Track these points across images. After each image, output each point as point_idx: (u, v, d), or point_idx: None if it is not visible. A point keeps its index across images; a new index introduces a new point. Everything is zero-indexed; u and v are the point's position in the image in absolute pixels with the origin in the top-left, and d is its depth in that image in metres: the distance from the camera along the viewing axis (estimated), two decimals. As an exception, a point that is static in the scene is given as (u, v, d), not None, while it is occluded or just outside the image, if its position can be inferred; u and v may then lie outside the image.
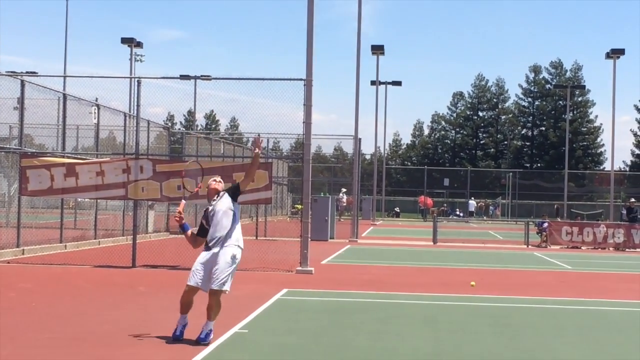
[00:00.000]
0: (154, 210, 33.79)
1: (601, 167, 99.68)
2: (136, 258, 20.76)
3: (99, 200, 27.89)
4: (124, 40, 58.31)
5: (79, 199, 31.36)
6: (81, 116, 28.53)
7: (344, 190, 63.11)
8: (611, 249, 34.25)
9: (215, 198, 11.06)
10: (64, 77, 40.99)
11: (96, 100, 28.36)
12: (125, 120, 30.78)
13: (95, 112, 28.21)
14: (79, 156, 25.37)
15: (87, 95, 27.41)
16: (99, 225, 28.88)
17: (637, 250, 34.01)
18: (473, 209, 73.73)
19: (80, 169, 20.89)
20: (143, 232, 30.68)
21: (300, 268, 20.14)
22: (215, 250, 10.81)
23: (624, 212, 38.62)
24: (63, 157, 23.48)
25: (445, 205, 76.11)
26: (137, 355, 9.80)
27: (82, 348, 10.15)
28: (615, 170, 61.74)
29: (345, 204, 61.37)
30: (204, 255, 10.84)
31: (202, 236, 10.99)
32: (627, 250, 33.99)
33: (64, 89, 30.66)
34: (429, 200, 73.06)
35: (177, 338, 10.67)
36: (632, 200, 39.98)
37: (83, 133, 32.27)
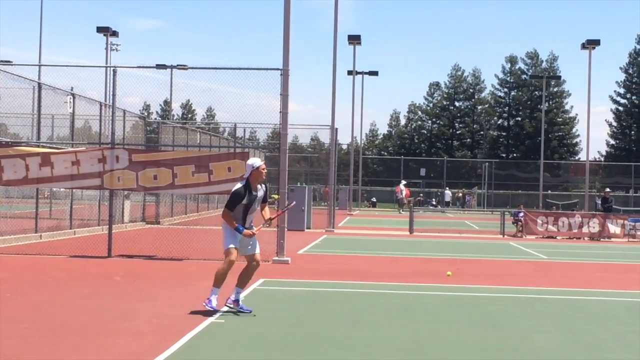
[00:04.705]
0: (129, 200, 33.66)
1: (576, 158, 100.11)
2: (112, 248, 20.66)
3: (74, 190, 27.74)
4: (100, 29, 57.90)
5: (54, 189, 31.21)
6: (56, 105, 28.33)
7: (404, 182, 63.67)
8: (586, 238, 34.43)
9: (260, 187, 12.36)
10: (39, 66, 40.67)
11: (71, 90, 28.16)
12: (101, 109, 30.59)
13: (70, 102, 28.02)
14: (54, 146, 25.23)
15: (62, 84, 27.25)
16: (74, 215, 28.73)
17: (612, 239, 34.23)
18: (449, 199, 73.94)
19: (56, 159, 20.77)
20: (119, 222, 30.56)
21: (276, 258, 20.13)
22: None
23: (599, 202, 38.85)
24: (38, 146, 23.34)
25: (421, 195, 76.23)
26: (112, 346, 9.76)
27: (57, 338, 10.10)
28: (590, 161, 62.05)
29: (401, 196, 62.19)
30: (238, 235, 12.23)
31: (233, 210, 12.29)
32: (601, 239, 34.19)
33: (39, 78, 30.41)
34: (406, 191, 73.17)
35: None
36: (607, 190, 40.22)
37: (58, 122, 32.11)
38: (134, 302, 13.14)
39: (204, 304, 11.93)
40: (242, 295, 12.50)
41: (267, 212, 12.67)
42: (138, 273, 17.34)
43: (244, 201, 12.16)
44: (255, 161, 12.37)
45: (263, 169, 12.27)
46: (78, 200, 31.49)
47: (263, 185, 12.40)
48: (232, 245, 12.21)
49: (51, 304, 12.87)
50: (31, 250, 21.41)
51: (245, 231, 12.15)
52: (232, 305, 12.20)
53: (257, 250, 12.47)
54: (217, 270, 12.22)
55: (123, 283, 15.76)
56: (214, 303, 11.93)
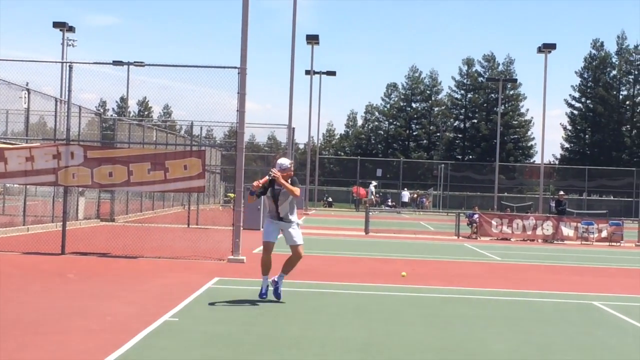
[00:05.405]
0: (84, 196, 33.42)
1: (531, 160, 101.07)
2: (66, 245, 20.50)
3: (28, 186, 27.47)
4: (56, 25, 57.46)
5: (8, 185, 30.89)
6: (11, 100, 28.04)
7: (374, 183, 63.90)
8: (540, 240, 34.71)
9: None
10: (-6, 60, 40.16)
11: (27, 85, 27.91)
12: (56, 105, 30.35)
13: (25, 97, 27.74)
14: (8, 141, 24.95)
15: (17, 79, 26.96)
16: (28, 212, 28.42)
17: (565, 242, 34.54)
18: (407, 200, 74.20)
19: (9, 154, 20.54)
20: (73, 219, 30.31)
21: (231, 257, 20.06)
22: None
23: (553, 204, 39.17)
24: (-8, 141, 23.07)
25: (377, 195, 76.41)
26: (65, 343, 9.68)
27: (9, 335, 9.99)
28: (545, 164, 62.63)
29: (371, 197, 62.45)
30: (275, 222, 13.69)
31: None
32: (555, 242, 34.50)
33: (-6, 73, 30.02)
34: (362, 191, 73.34)
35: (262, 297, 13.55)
36: (561, 193, 40.61)
37: (13, 118, 31.75)
38: (87, 300, 13.05)
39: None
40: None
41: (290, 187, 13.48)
42: (92, 270, 17.22)
43: (268, 194, 13.51)
44: (284, 162, 13.75)
45: (291, 171, 13.68)
46: (32, 197, 31.20)
47: (289, 180, 13.54)
48: (266, 240, 13.63)
49: (3, 300, 12.72)
50: (-17, 246, 21.18)
51: (252, 187, 13.68)
52: (271, 286, 13.69)
53: (299, 242, 13.69)
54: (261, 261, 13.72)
55: (77, 280, 15.65)
56: (264, 290, 13.60)
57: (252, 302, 13.43)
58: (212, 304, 13.03)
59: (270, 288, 13.65)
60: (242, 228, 20.72)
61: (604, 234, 35.25)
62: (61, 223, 21.79)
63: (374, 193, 64.80)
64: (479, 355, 10.15)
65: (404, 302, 14.59)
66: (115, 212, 35.69)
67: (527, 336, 11.50)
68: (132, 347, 9.59)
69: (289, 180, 13.54)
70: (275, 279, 13.67)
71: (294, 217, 13.74)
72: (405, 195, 74.02)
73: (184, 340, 10.12)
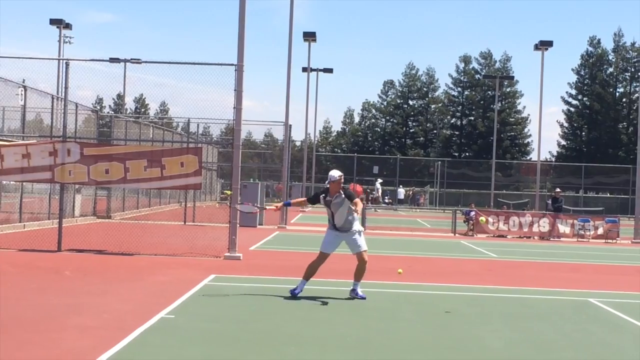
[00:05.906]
0: (81, 194, 33.39)
1: (528, 158, 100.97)
2: (62, 242, 20.49)
3: (24, 183, 27.45)
4: (53, 22, 57.34)
5: (4, 182, 30.88)
6: (7, 97, 28.01)
7: (380, 181, 64.08)
8: (536, 237, 34.73)
9: (338, 194, 14.02)
10: (-10, 57, 40.16)
11: (23, 82, 27.88)
12: (52, 102, 30.32)
13: (22, 94, 27.71)
14: (4, 138, 24.93)
15: (14, 76, 26.93)
16: (24, 209, 28.42)
17: (561, 239, 34.56)
18: (402, 197, 74.17)
19: (6, 151, 20.52)
20: (69, 216, 30.28)
21: (228, 254, 20.07)
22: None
23: (550, 202, 39.18)
24: (-12, 138, 23.04)
25: (374, 192, 76.34)
26: (61, 341, 9.68)
27: (5, 333, 9.99)
28: (541, 161, 62.60)
29: (377, 195, 62.61)
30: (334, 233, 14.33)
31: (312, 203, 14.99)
32: (551, 239, 34.51)
33: (-10, 70, 29.99)
34: (359, 188, 73.20)
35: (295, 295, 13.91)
36: (558, 190, 40.61)
37: (9, 115, 31.74)
38: (83, 297, 13.04)
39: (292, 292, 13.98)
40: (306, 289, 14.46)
41: (355, 206, 13.91)
42: (88, 267, 17.21)
43: (321, 202, 14.15)
44: (334, 174, 14.16)
45: (340, 182, 14.08)
46: (28, 194, 31.20)
47: (341, 192, 14.03)
48: (323, 250, 14.33)
49: (-1, 298, 12.73)
50: (-21, 243, 21.15)
51: (269, 207, 15.99)
52: (351, 295, 14.16)
53: (363, 248, 14.28)
54: (309, 264, 14.36)
55: (73, 277, 15.64)
56: (297, 290, 14.03)
57: (249, 299, 13.43)
58: (208, 300, 13.03)
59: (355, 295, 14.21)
60: (238, 225, 20.72)
61: (600, 231, 35.28)
62: (57, 220, 21.78)
63: (379, 190, 64.84)
64: (476, 352, 10.15)
65: (400, 299, 14.60)
66: (111, 209, 35.68)
67: (524, 333, 11.51)
68: (129, 344, 9.59)
69: (340, 192, 14.02)
70: (354, 289, 14.27)
71: (355, 226, 14.25)
72: (401, 192, 74.01)
73: (180, 337, 10.12)
